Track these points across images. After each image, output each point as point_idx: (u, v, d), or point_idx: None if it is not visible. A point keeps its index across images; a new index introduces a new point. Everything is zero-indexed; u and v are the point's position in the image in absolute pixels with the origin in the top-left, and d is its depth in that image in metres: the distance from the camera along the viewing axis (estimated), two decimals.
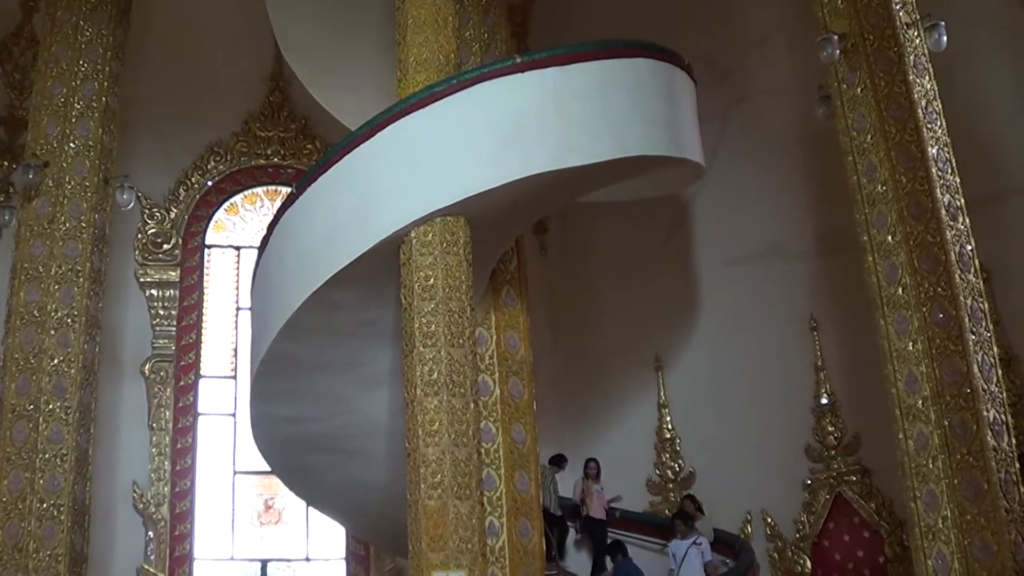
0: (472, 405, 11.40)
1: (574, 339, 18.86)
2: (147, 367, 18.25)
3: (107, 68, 16.09)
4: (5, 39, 18.78)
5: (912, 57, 12.82)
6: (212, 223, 19.57)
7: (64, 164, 15.29)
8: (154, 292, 18.65)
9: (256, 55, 19.60)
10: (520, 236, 14.01)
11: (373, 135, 12.17)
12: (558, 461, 16.23)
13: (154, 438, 17.90)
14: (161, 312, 18.58)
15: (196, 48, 19.07)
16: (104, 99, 15.92)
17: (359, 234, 11.93)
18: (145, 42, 17.91)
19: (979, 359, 11.56)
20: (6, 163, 17.90)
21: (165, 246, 18.88)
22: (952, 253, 11.93)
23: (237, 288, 19.38)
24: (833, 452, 15.69)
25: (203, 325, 18.96)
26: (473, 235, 11.93)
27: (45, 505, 13.70)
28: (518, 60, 12.47)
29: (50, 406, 14.16)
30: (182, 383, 18.37)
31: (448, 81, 12.22)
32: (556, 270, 19.51)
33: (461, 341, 11.43)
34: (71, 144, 15.46)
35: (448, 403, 11.13)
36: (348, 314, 12.59)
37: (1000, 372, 11.78)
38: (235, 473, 18.57)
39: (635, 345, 18.00)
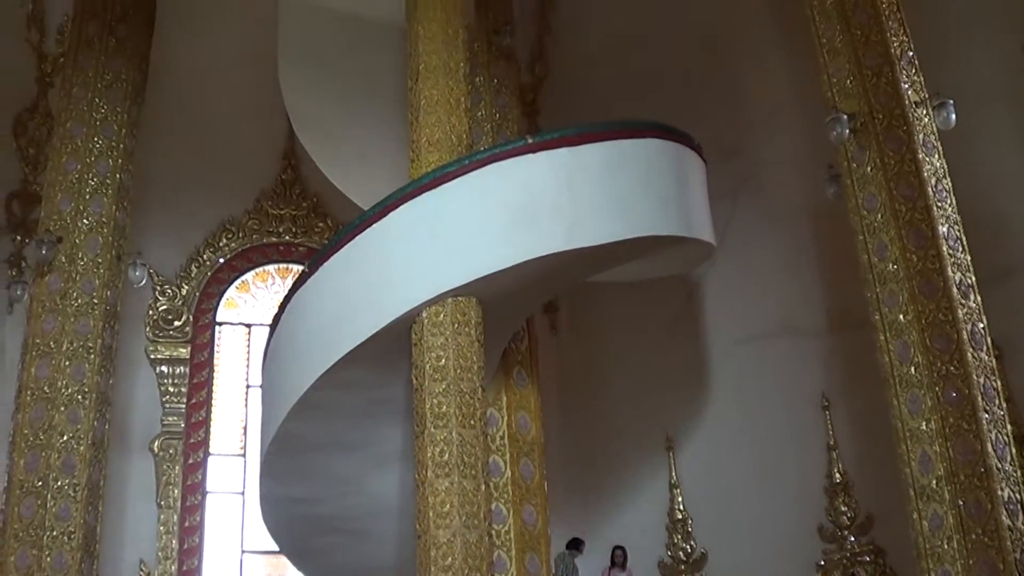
0: (483, 487, 11.32)
1: (584, 418, 18.70)
2: (156, 444, 18.17)
3: (121, 145, 16.20)
4: (21, 114, 18.95)
5: (921, 135, 12.86)
6: (223, 300, 19.58)
7: (77, 240, 15.34)
8: (164, 369, 18.62)
9: (269, 133, 19.74)
10: (531, 315, 14.02)
11: (385, 215, 12.23)
12: (576, 545, 15.90)
13: (162, 516, 17.75)
14: (171, 389, 18.54)
15: (209, 126, 19.21)
16: (118, 176, 16.01)
17: (371, 314, 11.94)
18: (159, 118, 17.99)
19: (992, 437, 11.48)
20: (19, 238, 17.94)
21: (176, 323, 18.90)
22: (964, 331, 11.88)
23: (248, 365, 19.34)
24: (846, 532, 15.50)
25: (213, 402, 18.89)
26: (485, 315, 11.95)
27: None
28: (529, 141, 12.53)
29: (59, 483, 14.06)
30: (191, 461, 18.25)
31: (460, 162, 12.31)
32: (567, 349, 19.42)
33: (472, 422, 11.38)
34: (84, 220, 15.52)
35: (459, 485, 11.05)
36: (359, 393, 12.56)
37: (1014, 450, 11.67)
38: (243, 552, 18.33)
39: (646, 424, 17.85)
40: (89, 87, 16.27)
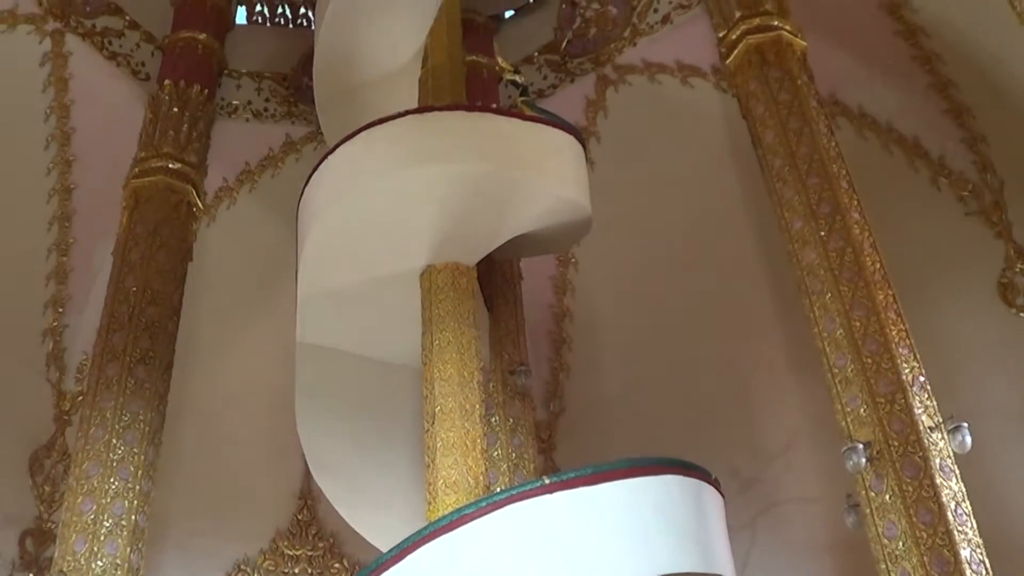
0: None
1: None
2: None
3: (138, 487, 16.12)
4: (37, 451, 19.13)
5: (938, 460, 12.88)
6: None
7: None
8: None
9: (285, 473, 19.81)
10: None
11: (403, 557, 12.07)
12: None
13: None
14: None
15: (225, 466, 19.37)
16: (133, 517, 15.86)
17: None
18: (175, 459, 18.11)
19: None
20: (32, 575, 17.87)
21: None
22: None
23: None
24: None
25: None
26: None
27: None
28: (546, 481, 12.49)
29: None
30: None
31: (478, 504, 12.22)
32: None
33: None
34: (98, 562, 15.27)
35: None
36: None
37: None
38: None
39: None
40: (107, 428, 16.30)
